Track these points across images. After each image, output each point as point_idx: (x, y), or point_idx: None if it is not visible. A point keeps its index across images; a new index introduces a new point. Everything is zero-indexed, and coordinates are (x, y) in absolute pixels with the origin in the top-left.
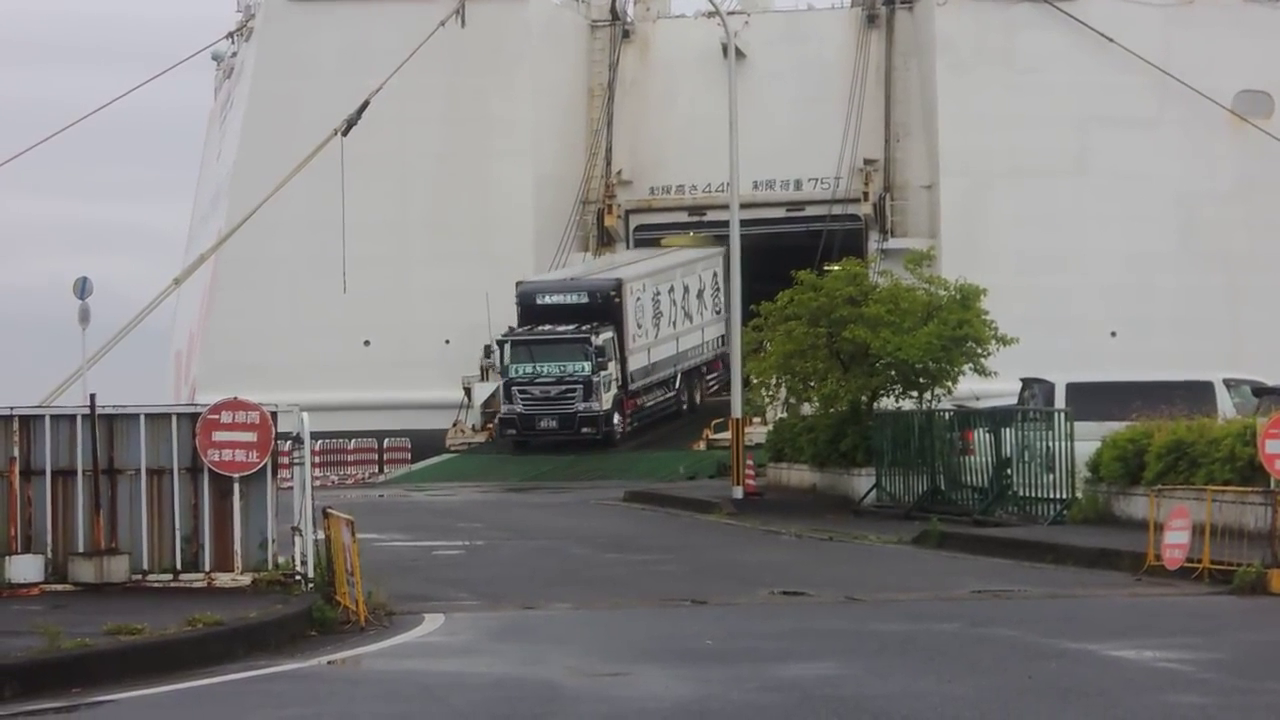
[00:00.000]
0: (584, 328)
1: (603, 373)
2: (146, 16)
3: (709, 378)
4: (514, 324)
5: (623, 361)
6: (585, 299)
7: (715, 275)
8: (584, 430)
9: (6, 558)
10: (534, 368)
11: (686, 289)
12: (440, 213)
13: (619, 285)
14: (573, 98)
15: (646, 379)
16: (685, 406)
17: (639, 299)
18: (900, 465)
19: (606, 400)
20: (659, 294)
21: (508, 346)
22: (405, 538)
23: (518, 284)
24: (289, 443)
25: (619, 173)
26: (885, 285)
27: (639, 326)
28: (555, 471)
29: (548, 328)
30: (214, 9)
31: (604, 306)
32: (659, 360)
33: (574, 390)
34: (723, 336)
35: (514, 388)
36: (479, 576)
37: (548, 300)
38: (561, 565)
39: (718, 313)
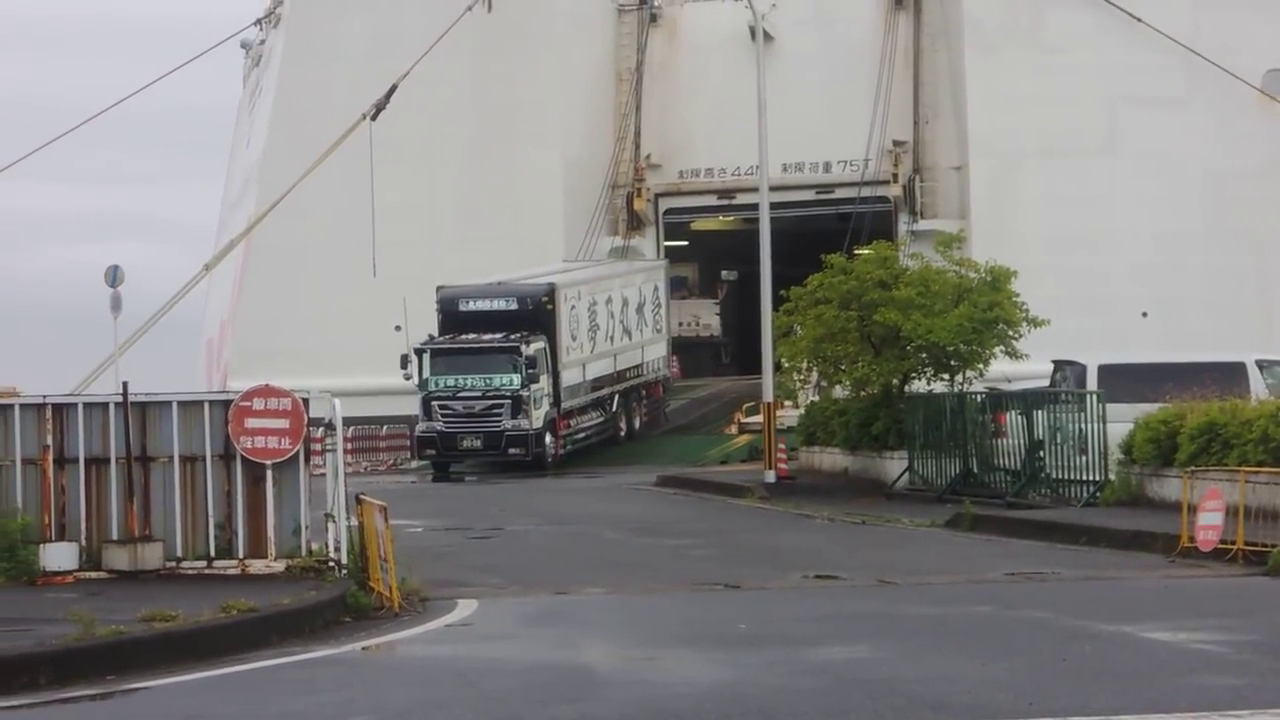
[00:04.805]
0: (513, 336)
1: (533, 386)
2: (176, 10)
3: (645, 401)
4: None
5: (555, 376)
6: (514, 305)
7: (657, 290)
8: (511, 451)
9: (41, 545)
10: (456, 380)
11: (625, 301)
12: (469, 197)
13: (552, 291)
14: (600, 81)
15: (581, 397)
16: (623, 432)
17: (574, 307)
18: (932, 448)
19: (537, 418)
20: (595, 304)
21: (427, 356)
22: (438, 523)
23: (438, 288)
24: (321, 429)
25: (648, 156)
26: (915, 268)
27: (573, 339)
28: (595, 455)
29: (472, 336)
30: (242, 7)
31: (535, 314)
32: (595, 378)
33: (501, 406)
34: (664, 358)
35: (434, 403)
36: (512, 562)
37: (472, 306)
38: (594, 550)
39: (658, 331)
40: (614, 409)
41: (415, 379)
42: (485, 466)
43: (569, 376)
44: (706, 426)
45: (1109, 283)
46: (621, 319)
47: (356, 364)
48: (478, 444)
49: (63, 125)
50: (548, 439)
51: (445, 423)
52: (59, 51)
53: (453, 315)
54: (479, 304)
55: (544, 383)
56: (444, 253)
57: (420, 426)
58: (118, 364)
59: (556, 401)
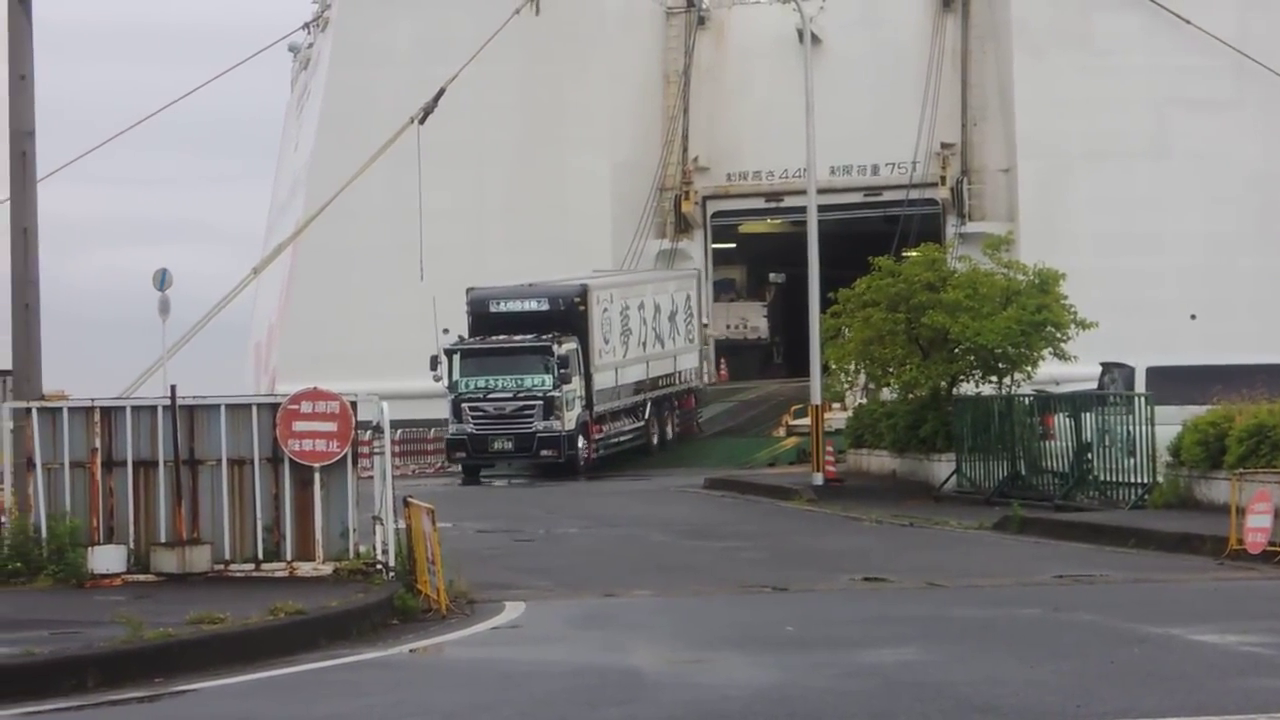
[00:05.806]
0: (545, 336)
1: (565, 387)
2: (223, 15)
3: (678, 410)
4: (465, 334)
5: (587, 379)
6: (546, 306)
7: (689, 298)
8: (543, 453)
9: (89, 548)
10: (487, 381)
11: (658, 308)
12: (517, 200)
13: (584, 292)
14: (648, 85)
15: (614, 403)
16: (655, 441)
17: (606, 310)
18: (980, 451)
19: (569, 420)
20: (628, 308)
21: (457, 358)
22: (486, 526)
23: (468, 290)
24: (369, 432)
25: (696, 159)
26: (964, 270)
27: (606, 341)
28: (631, 460)
29: (503, 337)
30: (289, 11)
31: (567, 315)
32: (627, 383)
33: (532, 407)
34: (697, 369)
35: (464, 404)
36: (559, 564)
37: (503, 307)
38: (642, 552)
39: (690, 340)
40: (646, 416)
41: (445, 381)
42: (524, 468)
43: (601, 380)
44: (754, 429)
45: (1157, 285)
46: (654, 325)
47: (405, 367)
48: (509, 446)
49: (109, 130)
50: (580, 442)
51: (476, 425)
52: (104, 56)
53: (483, 317)
54: (510, 305)
55: (576, 384)
56: (491, 256)
57: (450, 429)
58: (166, 367)
59: (589, 404)
